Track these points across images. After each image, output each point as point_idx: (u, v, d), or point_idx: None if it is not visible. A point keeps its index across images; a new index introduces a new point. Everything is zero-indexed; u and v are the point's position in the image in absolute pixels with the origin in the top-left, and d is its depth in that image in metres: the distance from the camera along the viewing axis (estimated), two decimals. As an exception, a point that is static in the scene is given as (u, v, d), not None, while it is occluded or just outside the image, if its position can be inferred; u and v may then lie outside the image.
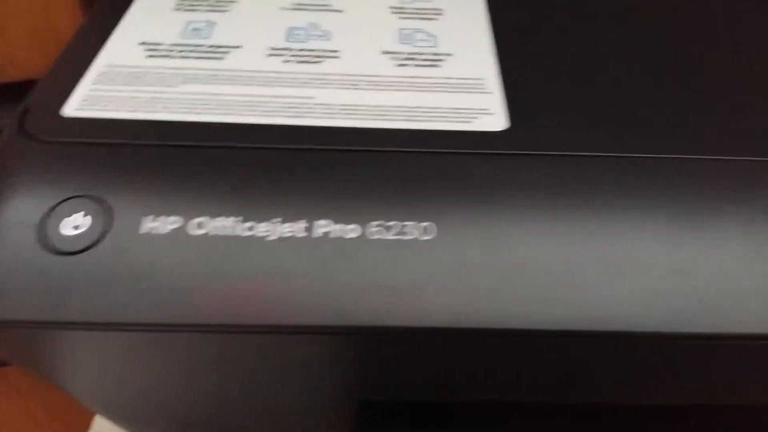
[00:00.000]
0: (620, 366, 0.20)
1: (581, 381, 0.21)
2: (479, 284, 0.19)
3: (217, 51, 0.24)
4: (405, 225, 0.19)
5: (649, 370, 0.20)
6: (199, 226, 0.18)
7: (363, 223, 0.19)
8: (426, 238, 0.19)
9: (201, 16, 0.26)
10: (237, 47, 0.25)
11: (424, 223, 0.19)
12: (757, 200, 0.20)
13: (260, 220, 0.19)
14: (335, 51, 0.25)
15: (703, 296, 0.18)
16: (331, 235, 0.19)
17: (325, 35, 0.26)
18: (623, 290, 0.19)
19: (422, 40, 0.26)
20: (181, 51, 0.24)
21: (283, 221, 0.19)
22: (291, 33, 0.26)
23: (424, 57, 0.25)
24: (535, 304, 0.19)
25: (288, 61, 0.24)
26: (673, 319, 0.18)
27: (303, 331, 0.18)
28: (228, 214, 0.18)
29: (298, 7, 0.27)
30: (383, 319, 0.18)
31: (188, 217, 0.18)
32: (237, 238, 0.18)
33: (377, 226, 0.19)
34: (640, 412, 0.22)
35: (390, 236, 0.19)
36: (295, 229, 0.19)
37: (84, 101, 0.22)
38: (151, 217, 0.18)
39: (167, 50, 0.24)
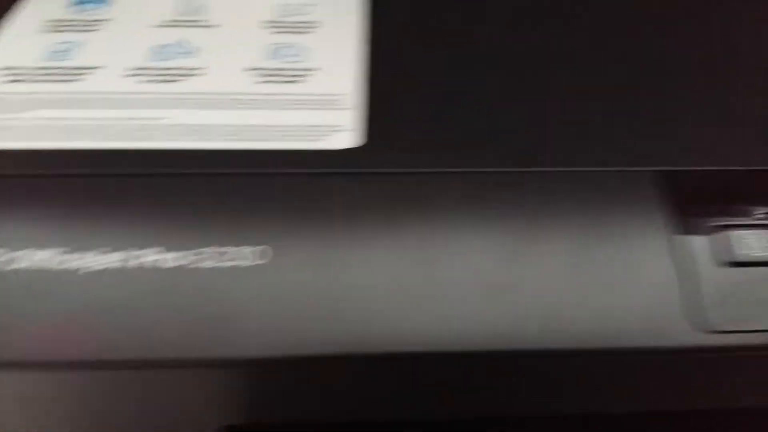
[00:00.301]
0: (460, 384, 0.20)
1: (427, 400, 0.20)
2: (313, 309, 0.18)
3: (76, 73, 0.24)
4: (238, 250, 0.19)
5: (481, 388, 0.20)
6: (13, 260, 0.18)
7: (195, 249, 0.19)
8: (260, 262, 0.19)
9: (68, 37, 0.26)
10: (97, 68, 0.24)
11: (259, 248, 0.19)
12: (588, 214, 0.20)
13: (83, 251, 0.18)
14: (199, 68, 0.24)
15: (530, 312, 0.18)
16: (162, 264, 0.18)
17: (192, 52, 0.25)
18: (456, 309, 0.18)
19: (291, 55, 0.25)
20: (39, 75, 0.24)
21: (111, 251, 0.19)
22: (157, 51, 0.25)
23: (289, 72, 0.24)
24: (370, 327, 0.18)
25: (148, 81, 0.24)
26: (500, 337, 0.18)
27: (125, 366, 0.18)
28: (45, 247, 0.18)
29: (172, 24, 0.27)
30: (212, 349, 0.18)
31: (3, 250, 0.18)
32: (54, 271, 0.18)
33: (210, 252, 0.19)
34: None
35: (222, 263, 0.19)
36: (123, 258, 0.18)
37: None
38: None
39: (24, 75, 0.24)
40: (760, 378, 0.20)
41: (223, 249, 0.19)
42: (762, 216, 0.20)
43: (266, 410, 0.21)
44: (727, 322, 0.18)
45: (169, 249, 0.19)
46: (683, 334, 0.18)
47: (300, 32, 0.26)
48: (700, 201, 0.20)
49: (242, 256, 0.19)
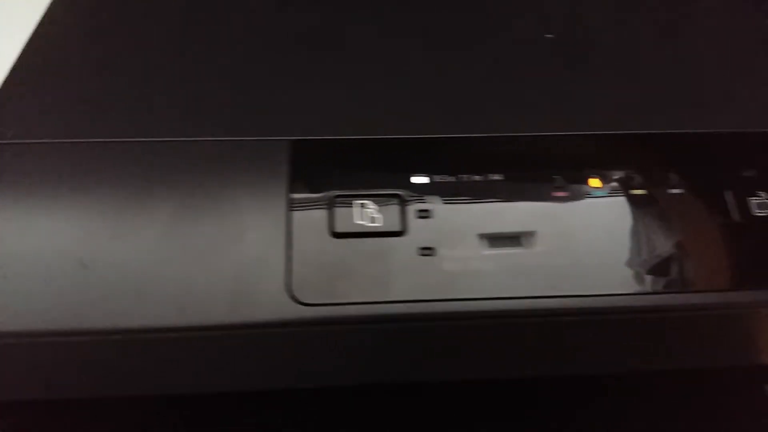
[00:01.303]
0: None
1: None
2: None
3: None
4: None
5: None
6: None
7: None
8: None
9: None
10: None
11: None
12: (208, 183, 0.19)
13: None
14: None
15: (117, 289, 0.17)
16: None
17: None
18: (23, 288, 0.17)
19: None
20: None
21: None
22: None
23: None
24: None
25: None
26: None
27: None
28: None
29: None
30: None
31: None
32: None
33: None
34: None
35: None
36: None
37: None
38: None
39: None
40: (347, 352, 0.19)
41: None
42: (378, 186, 0.19)
43: None
44: (318, 294, 0.18)
45: None
46: (276, 307, 0.17)
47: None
48: (321, 171, 0.20)
49: None
